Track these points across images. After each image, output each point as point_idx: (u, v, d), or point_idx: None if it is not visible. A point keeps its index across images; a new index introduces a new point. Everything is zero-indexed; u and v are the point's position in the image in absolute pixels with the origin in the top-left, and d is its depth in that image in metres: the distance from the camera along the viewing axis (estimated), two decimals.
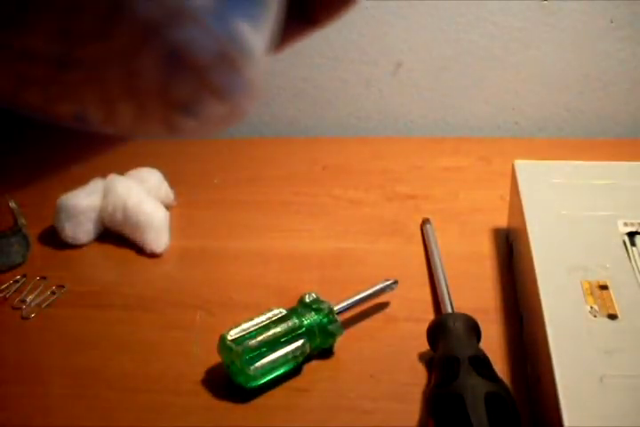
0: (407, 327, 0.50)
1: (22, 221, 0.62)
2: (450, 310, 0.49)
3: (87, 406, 0.45)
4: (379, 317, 0.52)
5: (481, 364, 0.42)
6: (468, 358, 0.42)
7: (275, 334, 0.45)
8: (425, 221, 0.61)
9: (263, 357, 0.44)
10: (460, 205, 0.65)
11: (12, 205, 0.62)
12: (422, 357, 0.47)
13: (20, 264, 0.60)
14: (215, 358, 0.47)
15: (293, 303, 0.49)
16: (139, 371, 0.48)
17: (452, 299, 0.50)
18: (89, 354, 0.50)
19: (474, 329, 0.46)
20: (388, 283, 0.51)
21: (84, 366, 0.49)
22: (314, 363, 0.47)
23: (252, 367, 0.44)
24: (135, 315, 0.54)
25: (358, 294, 0.50)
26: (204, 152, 0.73)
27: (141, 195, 0.58)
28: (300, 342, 0.45)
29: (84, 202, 0.58)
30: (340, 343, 0.48)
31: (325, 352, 0.48)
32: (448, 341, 0.45)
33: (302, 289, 0.53)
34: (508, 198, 0.60)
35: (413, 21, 0.76)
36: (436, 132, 0.80)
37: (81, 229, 0.58)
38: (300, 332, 0.46)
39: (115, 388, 0.47)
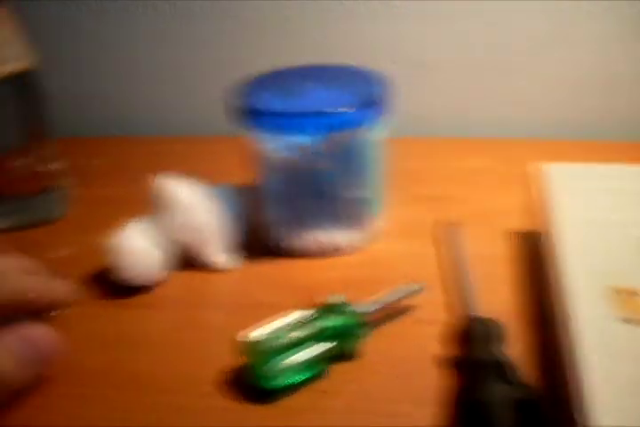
0: (432, 330, 0.50)
1: (63, 181, 0.68)
2: (475, 314, 0.48)
3: (105, 407, 0.45)
4: (404, 319, 0.51)
5: (508, 369, 0.41)
6: (495, 363, 0.42)
7: (300, 336, 0.45)
8: (448, 224, 0.61)
9: (287, 359, 0.44)
10: (484, 207, 0.65)
11: (55, 166, 0.66)
12: (448, 360, 0.47)
13: (54, 221, 0.67)
14: (239, 360, 0.47)
15: (315, 304, 0.49)
16: (158, 371, 0.48)
17: (478, 302, 0.50)
18: (106, 353, 0.50)
19: (499, 334, 0.46)
20: (414, 287, 0.51)
21: (101, 365, 0.49)
22: (338, 365, 0.47)
23: (275, 369, 0.43)
24: (154, 313, 0.54)
25: (384, 297, 0.50)
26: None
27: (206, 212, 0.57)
28: (325, 345, 0.45)
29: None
30: (363, 346, 0.48)
31: (350, 355, 0.48)
32: (474, 345, 0.44)
33: (325, 290, 0.53)
34: (534, 201, 0.60)
35: (442, 21, 0.76)
36: (460, 132, 0.80)
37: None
38: (325, 334, 0.45)
39: (133, 388, 0.47)
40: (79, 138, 0.84)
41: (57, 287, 0.47)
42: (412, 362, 0.47)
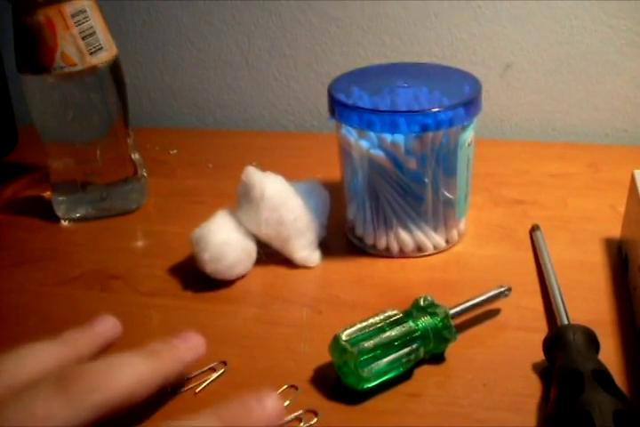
0: (518, 336, 0.49)
1: (143, 171, 0.68)
2: (566, 321, 0.47)
3: None
4: (489, 324, 0.50)
5: (605, 379, 0.40)
6: (592, 373, 0.41)
7: (390, 336, 0.44)
8: (534, 228, 0.60)
9: (377, 359, 0.43)
10: (568, 212, 0.64)
11: (136, 156, 0.67)
12: (536, 367, 0.46)
13: (135, 211, 0.68)
14: (323, 357, 0.46)
15: (400, 304, 0.48)
16: (246, 367, 0.48)
17: (568, 309, 0.49)
18: None
19: (593, 342, 0.45)
20: (502, 289, 0.50)
21: None
22: (424, 368, 0.46)
23: (365, 369, 0.43)
24: (237, 308, 0.54)
25: (472, 299, 0.49)
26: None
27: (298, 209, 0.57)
28: (413, 346, 0.45)
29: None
30: (450, 349, 0.47)
31: (436, 357, 0.47)
32: (568, 353, 0.43)
33: (409, 291, 0.53)
34: (620, 208, 0.59)
35: (526, 22, 0.75)
36: (543, 136, 0.79)
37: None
38: (414, 336, 0.45)
39: (220, 382, 0.47)
40: (155, 129, 0.85)
41: (184, 350, 0.42)
42: (498, 367, 0.46)
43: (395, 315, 0.46)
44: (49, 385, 0.34)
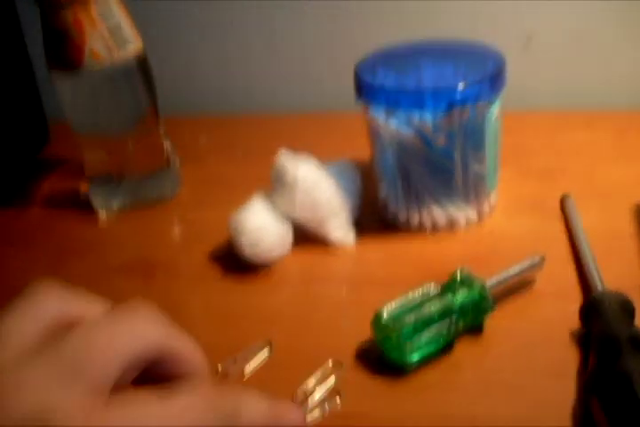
0: (554, 304, 0.50)
1: (175, 160, 0.69)
2: (600, 289, 0.48)
3: None
4: (525, 293, 0.51)
5: None
6: (628, 339, 0.41)
7: (430, 310, 0.45)
8: (565, 197, 0.61)
9: (418, 334, 0.45)
10: (597, 181, 0.64)
11: (167, 146, 0.68)
12: (573, 334, 0.47)
13: (169, 199, 0.69)
14: (365, 334, 0.47)
15: (436, 279, 0.49)
16: (289, 344, 0.49)
17: (602, 277, 0.50)
18: (238, 326, 0.51)
19: (629, 309, 0.46)
20: (536, 259, 0.51)
21: (232, 338, 0.50)
22: (464, 340, 0.47)
23: (407, 344, 0.44)
24: (277, 289, 0.55)
25: (507, 270, 0.50)
26: None
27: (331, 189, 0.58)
28: (453, 319, 0.46)
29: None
30: (488, 320, 0.48)
31: (475, 329, 0.48)
32: (604, 320, 0.44)
33: (444, 265, 0.53)
34: None
35: None
36: (568, 106, 0.79)
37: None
38: (453, 309, 0.46)
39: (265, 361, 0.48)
40: (182, 118, 0.86)
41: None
42: (537, 335, 0.47)
43: (433, 289, 0.47)
44: None
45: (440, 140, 0.54)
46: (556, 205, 0.61)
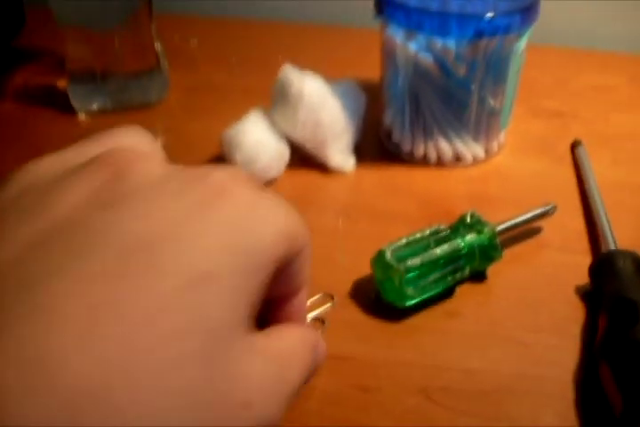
0: (561, 257, 0.48)
1: (164, 63, 0.65)
2: (613, 247, 0.46)
3: None
4: (531, 242, 0.49)
5: None
6: None
7: (436, 253, 0.42)
8: (576, 143, 0.58)
9: (422, 277, 0.42)
10: (610, 128, 0.61)
11: (157, 47, 0.63)
12: (579, 290, 0.45)
13: (155, 104, 0.64)
14: (362, 270, 0.45)
15: (439, 217, 0.46)
16: None
17: (614, 234, 0.47)
18: None
19: None
20: (547, 208, 0.48)
21: None
22: (466, 286, 0.45)
23: (410, 287, 0.41)
24: None
25: (517, 217, 0.47)
26: None
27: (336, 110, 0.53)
28: (459, 264, 0.43)
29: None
30: (491, 267, 0.45)
31: (478, 276, 0.45)
32: (619, 281, 0.42)
33: (448, 203, 0.51)
34: None
35: None
36: (583, 43, 0.75)
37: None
38: (460, 253, 0.43)
39: None
40: (172, 16, 0.80)
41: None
42: (541, 289, 0.45)
43: (441, 231, 0.44)
44: None
45: (461, 70, 0.50)
46: (566, 150, 0.58)
